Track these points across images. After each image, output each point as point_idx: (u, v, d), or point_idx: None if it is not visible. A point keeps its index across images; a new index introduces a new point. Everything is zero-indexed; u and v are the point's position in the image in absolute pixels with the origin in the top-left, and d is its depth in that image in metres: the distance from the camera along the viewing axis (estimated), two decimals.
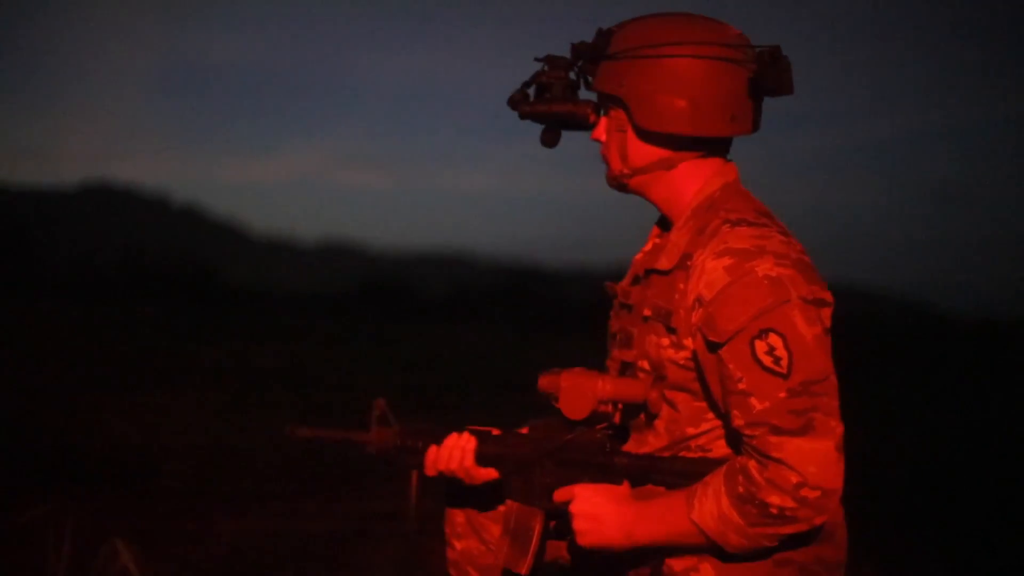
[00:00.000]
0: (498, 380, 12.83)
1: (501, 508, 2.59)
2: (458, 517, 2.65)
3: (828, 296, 2.25)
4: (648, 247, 2.50)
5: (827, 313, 2.25)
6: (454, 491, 2.63)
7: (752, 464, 2.16)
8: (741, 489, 2.16)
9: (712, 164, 2.38)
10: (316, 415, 10.34)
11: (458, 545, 2.66)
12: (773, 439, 2.13)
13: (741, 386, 2.17)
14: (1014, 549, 4.93)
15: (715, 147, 2.38)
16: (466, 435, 2.46)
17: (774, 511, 2.14)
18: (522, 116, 2.44)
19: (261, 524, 6.01)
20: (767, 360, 2.15)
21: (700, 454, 2.33)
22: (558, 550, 2.60)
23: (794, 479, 2.12)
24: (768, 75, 2.30)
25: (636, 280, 2.46)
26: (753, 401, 2.15)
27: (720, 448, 2.32)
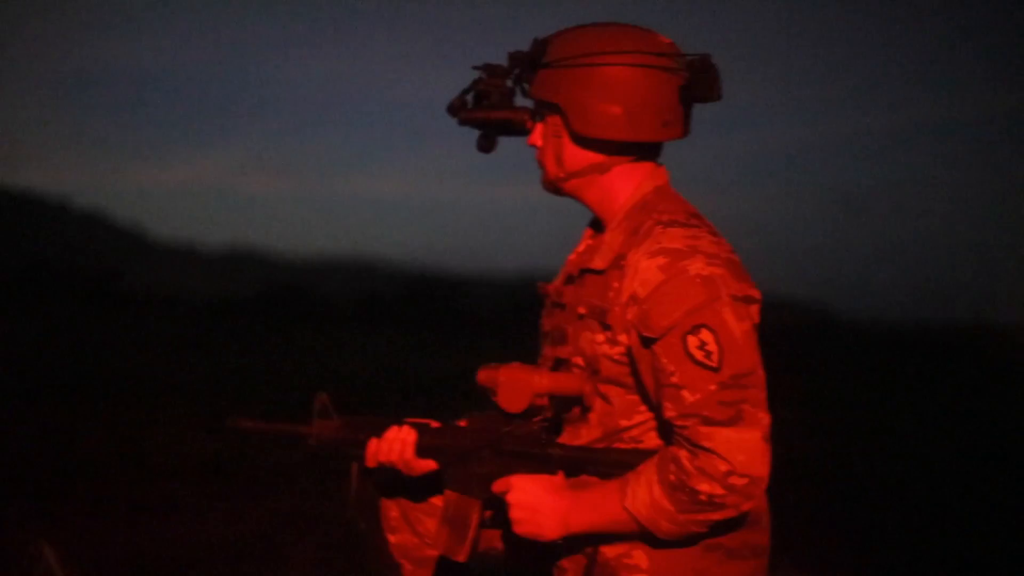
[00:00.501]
0: (405, 385, 12.90)
1: (435, 501, 2.67)
2: (392, 511, 2.72)
3: (756, 293, 2.36)
4: (581, 248, 2.60)
5: (755, 309, 2.36)
6: (389, 485, 2.71)
7: (683, 453, 2.26)
8: (672, 477, 2.26)
9: (644, 168, 2.49)
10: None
11: (392, 539, 2.73)
12: (704, 429, 2.24)
13: (674, 379, 2.27)
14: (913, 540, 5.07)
15: (647, 152, 2.48)
16: (406, 428, 2.54)
17: (703, 498, 2.25)
18: (461, 122, 2.53)
19: (172, 528, 6.04)
20: (699, 354, 2.26)
21: (633, 445, 2.43)
22: (492, 540, 2.69)
23: (723, 467, 2.23)
24: (699, 82, 2.41)
25: (570, 280, 2.55)
26: (685, 393, 2.26)
27: (652, 439, 2.42)
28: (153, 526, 6.05)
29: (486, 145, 2.55)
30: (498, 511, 2.55)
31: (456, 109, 2.52)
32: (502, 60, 2.51)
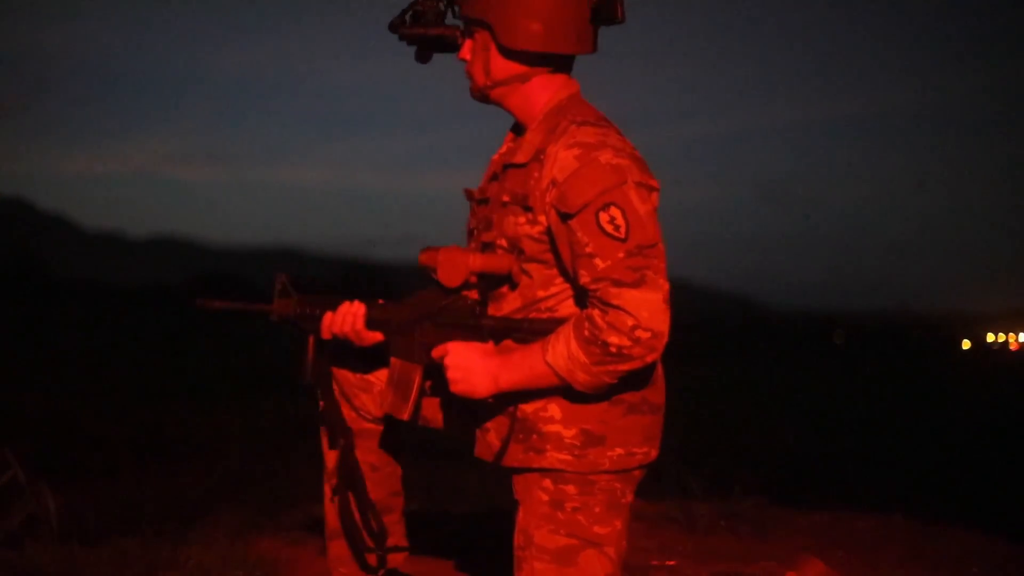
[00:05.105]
0: None
1: (370, 378, 3.06)
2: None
3: (656, 184, 2.77)
4: (503, 149, 2.98)
5: (655, 197, 2.76)
6: (333, 361, 3.08)
7: (596, 312, 2.65)
8: (587, 332, 2.66)
9: (559, 78, 2.88)
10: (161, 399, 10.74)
11: None
12: (613, 290, 2.63)
13: (588, 249, 2.67)
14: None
15: (562, 64, 2.88)
16: (357, 302, 2.91)
17: (613, 350, 2.64)
18: (400, 38, 2.92)
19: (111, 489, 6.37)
20: (609, 228, 2.66)
21: (548, 314, 2.81)
22: (428, 410, 3.07)
23: (630, 322, 2.62)
24: (605, 5, 2.82)
25: (494, 177, 2.93)
26: (597, 261, 2.66)
27: (565, 308, 2.80)
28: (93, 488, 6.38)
29: (422, 59, 2.94)
30: (435, 381, 2.93)
31: (396, 26, 2.91)
32: None
